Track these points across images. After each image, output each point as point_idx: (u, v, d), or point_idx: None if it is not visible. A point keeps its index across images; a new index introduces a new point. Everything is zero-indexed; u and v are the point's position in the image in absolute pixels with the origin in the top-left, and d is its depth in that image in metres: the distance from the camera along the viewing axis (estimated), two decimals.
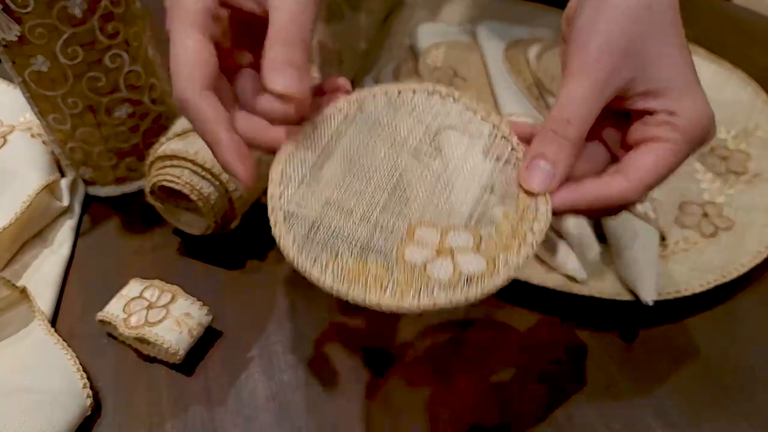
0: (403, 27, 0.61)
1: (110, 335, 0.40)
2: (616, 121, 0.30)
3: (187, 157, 0.40)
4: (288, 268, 0.44)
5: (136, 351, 0.39)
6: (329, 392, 0.37)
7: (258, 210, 0.46)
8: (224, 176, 0.41)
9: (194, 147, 0.41)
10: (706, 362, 0.38)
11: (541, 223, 0.27)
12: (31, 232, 0.46)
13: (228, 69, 0.30)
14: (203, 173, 0.40)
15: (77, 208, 0.48)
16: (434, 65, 0.52)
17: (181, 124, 0.43)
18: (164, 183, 0.41)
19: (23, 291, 0.40)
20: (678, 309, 0.40)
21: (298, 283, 0.43)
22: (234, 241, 0.45)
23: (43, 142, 0.50)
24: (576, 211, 0.29)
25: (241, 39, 0.31)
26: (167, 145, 0.41)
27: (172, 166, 0.41)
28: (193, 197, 0.40)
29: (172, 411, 0.36)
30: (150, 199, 0.43)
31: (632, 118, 0.29)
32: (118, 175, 0.48)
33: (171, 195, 0.43)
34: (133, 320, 0.38)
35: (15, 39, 0.39)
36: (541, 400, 0.36)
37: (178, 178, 0.40)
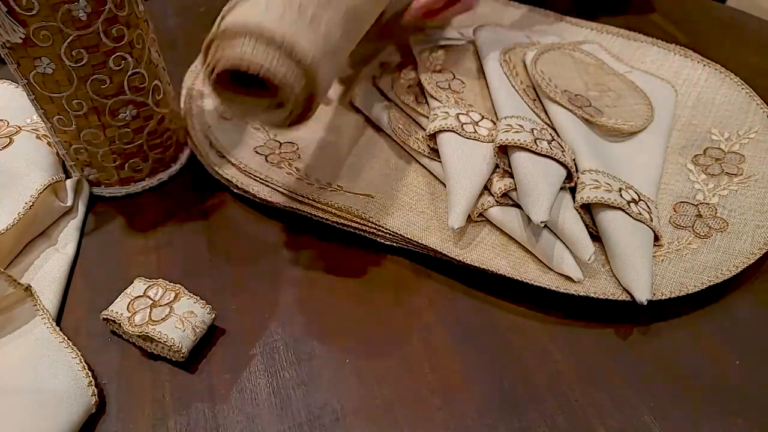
0: (402, 30, 0.62)
1: (114, 333, 0.41)
2: None
3: (263, 33, 0.33)
4: (289, 266, 0.44)
5: (140, 349, 0.40)
6: (331, 388, 0.37)
7: (261, 210, 0.47)
8: (299, 52, 0.33)
9: (269, 15, 0.33)
10: (702, 361, 0.38)
11: None
12: (35, 231, 0.46)
13: None
14: (279, 52, 0.33)
15: (82, 208, 0.48)
16: (434, 68, 0.53)
17: None
18: (233, 67, 0.33)
19: (27, 289, 0.41)
20: (672, 309, 0.40)
21: (300, 281, 0.43)
22: (237, 240, 0.46)
23: (49, 144, 0.50)
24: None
25: None
26: (236, 15, 0.33)
27: (243, 44, 0.33)
28: (275, 82, 0.33)
29: (175, 408, 0.37)
30: (211, 88, 0.36)
31: None
32: (122, 175, 0.49)
33: (232, 82, 0.36)
34: (137, 318, 0.39)
35: (20, 41, 0.39)
36: (538, 399, 0.36)
37: (255, 59, 0.33)
